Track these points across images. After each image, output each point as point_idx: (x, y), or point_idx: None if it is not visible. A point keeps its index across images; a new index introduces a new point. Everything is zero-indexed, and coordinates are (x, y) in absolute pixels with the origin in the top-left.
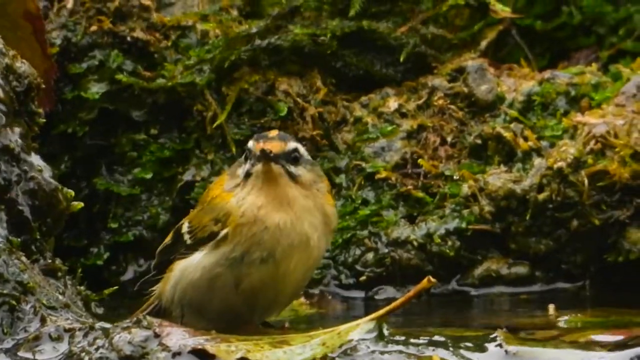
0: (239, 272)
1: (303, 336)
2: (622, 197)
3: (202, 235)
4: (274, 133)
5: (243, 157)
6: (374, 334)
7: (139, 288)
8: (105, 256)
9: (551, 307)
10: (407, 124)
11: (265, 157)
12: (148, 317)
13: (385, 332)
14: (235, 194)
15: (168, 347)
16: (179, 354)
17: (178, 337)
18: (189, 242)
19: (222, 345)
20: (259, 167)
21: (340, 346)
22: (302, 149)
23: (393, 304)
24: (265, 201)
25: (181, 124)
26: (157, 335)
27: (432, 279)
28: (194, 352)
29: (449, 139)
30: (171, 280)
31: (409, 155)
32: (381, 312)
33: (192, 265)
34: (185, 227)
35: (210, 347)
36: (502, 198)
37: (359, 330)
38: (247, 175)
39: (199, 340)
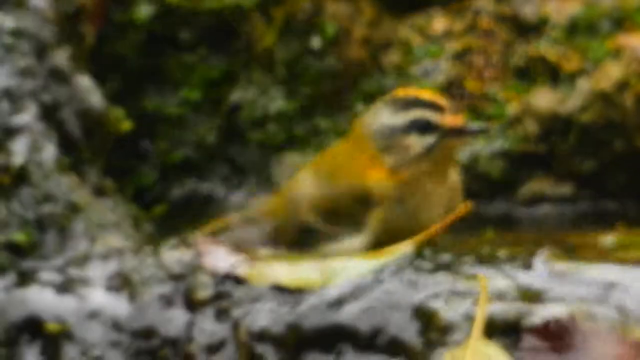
0: None
1: (343, 257)
2: None
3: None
4: (442, 100)
5: (410, 128)
6: (414, 257)
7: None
8: (153, 176)
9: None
10: (452, 46)
11: (462, 132)
12: (195, 235)
13: (426, 255)
14: (404, 170)
15: (205, 268)
16: (215, 275)
17: (218, 257)
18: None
19: (256, 269)
20: (451, 141)
21: (382, 267)
22: None
23: (431, 229)
24: (440, 177)
25: (229, 46)
26: (198, 255)
27: (469, 204)
28: (228, 275)
29: (494, 60)
30: None
31: (454, 76)
32: (419, 236)
33: None
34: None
35: (243, 271)
36: (547, 119)
37: (401, 252)
38: (430, 149)
39: (233, 263)
